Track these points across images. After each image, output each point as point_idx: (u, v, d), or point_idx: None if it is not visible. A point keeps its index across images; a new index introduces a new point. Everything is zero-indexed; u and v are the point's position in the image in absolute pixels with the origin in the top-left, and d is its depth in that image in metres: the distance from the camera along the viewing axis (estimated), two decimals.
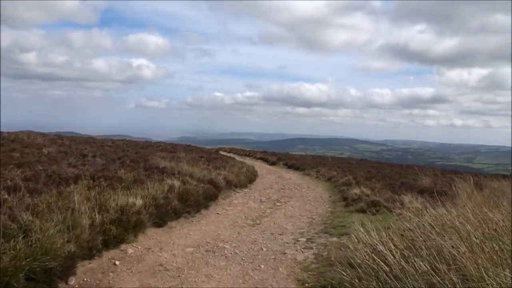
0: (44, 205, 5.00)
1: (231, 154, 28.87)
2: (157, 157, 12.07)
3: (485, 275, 2.32)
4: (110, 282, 4.35)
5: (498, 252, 2.52)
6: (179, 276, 4.59)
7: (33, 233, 4.09)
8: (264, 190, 12.61)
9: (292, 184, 14.72)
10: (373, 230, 3.48)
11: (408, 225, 3.48)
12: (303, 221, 8.06)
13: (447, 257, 2.76)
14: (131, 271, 4.67)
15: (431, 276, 2.51)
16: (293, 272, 4.84)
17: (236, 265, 5.06)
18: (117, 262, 4.85)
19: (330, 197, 11.72)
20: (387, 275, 2.76)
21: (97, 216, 5.27)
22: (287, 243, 6.16)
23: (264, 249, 5.78)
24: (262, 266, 5.02)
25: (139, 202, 6.38)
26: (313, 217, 8.55)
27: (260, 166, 21.51)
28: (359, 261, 3.21)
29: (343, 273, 3.32)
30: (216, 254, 5.47)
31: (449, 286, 2.42)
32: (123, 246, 5.33)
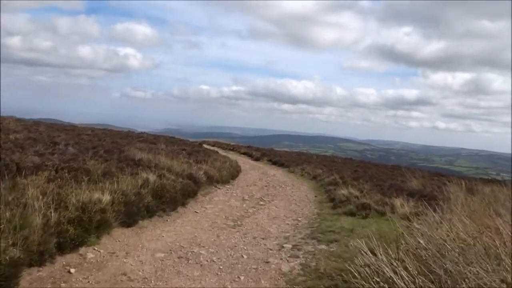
0: None
1: (215, 148, 28.09)
2: (134, 148, 11.27)
3: None
4: None
5: None
6: None
7: None
8: (247, 187, 11.98)
9: (277, 181, 14.13)
10: (378, 246, 2.88)
11: (422, 242, 2.89)
12: (288, 223, 7.47)
13: None
14: (88, 281, 3.98)
15: None
16: (277, 286, 4.23)
17: (212, 275, 4.41)
18: (72, 270, 4.14)
19: (316, 197, 11.18)
20: None
21: (53, 214, 4.54)
22: (271, 249, 5.55)
23: (245, 256, 5.14)
24: (242, 278, 4.39)
25: (106, 198, 5.65)
26: (299, 219, 7.97)
27: (244, 161, 20.86)
28: None
29: None
30: (190, 261, 4.81)
31: None
32: (82, 250, 4.62)
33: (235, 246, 5.61)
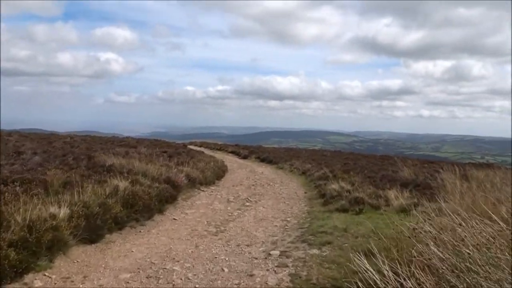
0: None
1: (201, 149, 27.27)
2: (106, 154, 10.46)
3: None
4: None
5: None
6: None
7: None
8: (233, 187, 11.28)
9: (265, 179, 13.46)
10: (384, 260, 2.21)
11: (435, 250, 2.25)
12: (276, 225, 6.80)
13: None
14: None
15: None
16: None
17: None
18: None
19: (305, 193, 10.54)
20: None
21: None
22: (256, 258, 4.86)
23: (226, 270, 4.45)
24: None
25: (63, 212, 4.91)
26: (288, 219, 7.31)
27: (231, 160, 20.14)
28: None
29: None
30: (160, 281, 4.09)
31: None
32: (28, 278, 3.86)
33: (215, 257, 4.91)
